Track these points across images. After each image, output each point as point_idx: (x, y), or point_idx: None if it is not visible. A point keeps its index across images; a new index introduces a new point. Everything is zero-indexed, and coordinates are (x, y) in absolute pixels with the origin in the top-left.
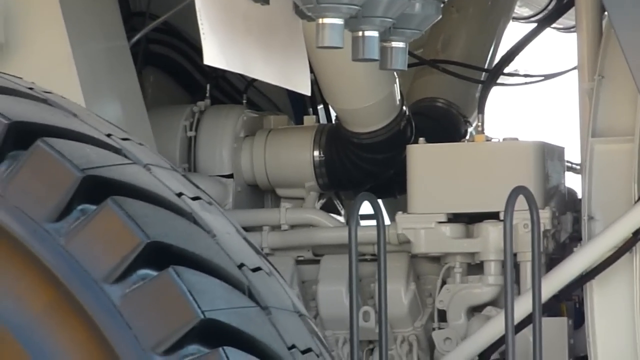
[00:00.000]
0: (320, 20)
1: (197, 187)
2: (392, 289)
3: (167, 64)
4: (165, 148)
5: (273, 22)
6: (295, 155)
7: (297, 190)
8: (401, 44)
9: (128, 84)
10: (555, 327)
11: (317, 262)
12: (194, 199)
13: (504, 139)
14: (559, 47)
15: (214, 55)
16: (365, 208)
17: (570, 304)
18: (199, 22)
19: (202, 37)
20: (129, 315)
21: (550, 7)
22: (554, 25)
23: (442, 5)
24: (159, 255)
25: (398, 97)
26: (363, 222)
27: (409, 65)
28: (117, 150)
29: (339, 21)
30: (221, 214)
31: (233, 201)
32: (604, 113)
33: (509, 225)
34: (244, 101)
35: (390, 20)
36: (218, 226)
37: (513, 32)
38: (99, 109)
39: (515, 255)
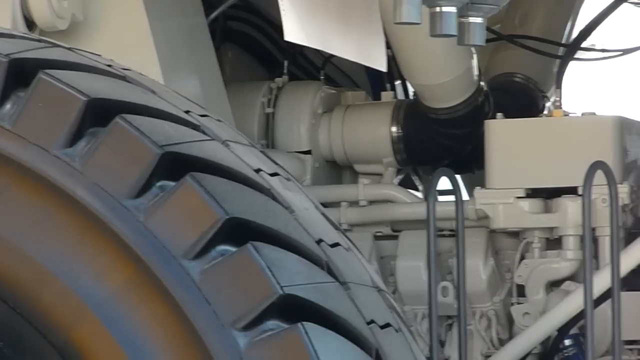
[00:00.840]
0: None
1: (276, 163)
2: (470, 264)
3: (245, 40)
4: (243, 124)
5: None
6: (373, 131)
7: (375, 166)
8: (479, 20)
9: (206, 60)
10: (634, 302)
11: (396, 237)
12: (272, 175)
13: (582, 114)
14: (636, 22)
15: (294, 31)
16: (443, 184)
17: None
18: None
19: (282, 13)
20: (208, 291)
21: None
22: None
23: None
24: (238, 231)
25: (476, 72)
26: (441, 198)
27: (487, 41)
28: (195, 127)
29: None
30: (299, 190)
31: (311, 177)
32: None
33: (588, 200)
34: (322, 77)
35: None
36: (296, 202)
37: (591, 7)
38: (178, 85)
39: (593, 229)
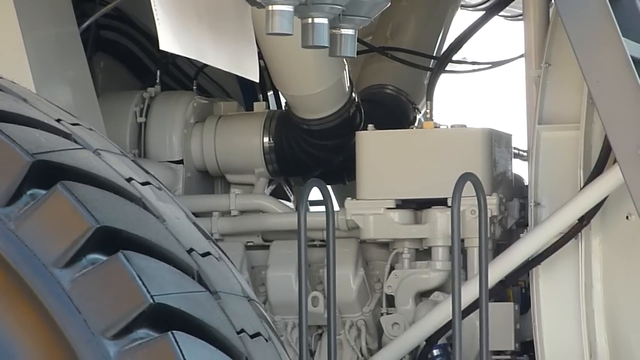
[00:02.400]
0: (269, 7)
1: (147, 172)
2: (340, 275)
3: (118, 50)
4: (115, 134)
5: (223, 8)
6: (245, 141)
7: (247, 176)
8: (350, 31)
9: (78, 69)
10: (502, 312)
11: (267, 247)
12: (144, 184)
13: (452, 126)
14: (506, 35)
15: (169, 41)
16: (315, 194)
17: (516, 289)
18: (153, 8)
19: (157, 22)
20: (78, 299)
21: None
22: (501, 13)
23: None
24: (109, 240)
25: (347, 84)
26: (312, 208)
27: (358, 53)
28: (66, 135)
29: (289, 8)
30: (171, 200)
31: (183, 187)
32: (550, 100)
33: (457, 212)
34: (194, 87)
35: (340, 7)
36: (168, 211)
37: (461, 20)
38: (49, 94)
39: (462, 241)
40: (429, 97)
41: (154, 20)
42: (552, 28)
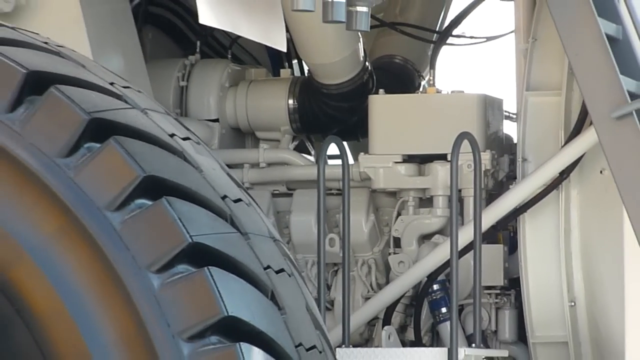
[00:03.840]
0: None
1: (187, 129)
2: (354, 219)
3: (164, 23)
4: (160, 96)
5: None
6: (272, 103)
7: (274, 133)
8: (364, 9)
9: (129, 40)
10: (493, 253)
11: (290, 195)
12: (184, 139)
13: (451, 92)
14: (499, 14)
15: (207, 15)
16: (332, 149)
17: (506, 233)
18: None
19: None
20: (127, 238)
21: None
22: None
23: None
24: (154, 187)
25: (362, 54)
26: (330, 162)
27: (371, 27)
28: (118, 97)
29: None
30: (208, 153)
31: (218, 142)
32: (536, 70)
33: (455, 165)
34: (229, 56)
35: None
36: (205, 163)
37: (460, 0)
38: (104, 61)
39: (460, 191)
40: (432, 66)
41: None
42: (538, 8)
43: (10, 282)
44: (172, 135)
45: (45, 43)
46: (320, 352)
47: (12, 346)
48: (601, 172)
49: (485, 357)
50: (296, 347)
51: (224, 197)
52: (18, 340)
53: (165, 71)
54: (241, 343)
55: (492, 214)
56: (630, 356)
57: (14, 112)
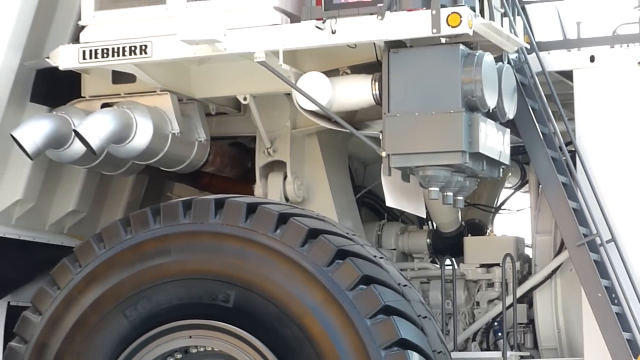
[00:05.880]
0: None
1: (383, 253)
2: None
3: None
4: (368, 238)
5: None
6: (419, 242)
7: (420, 255)
8: (460, 197)
9: (353, 204)
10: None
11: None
12: (380, 258)
13: None
14: None
15: (391, 200)
16: None
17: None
18: (383, 185)
19: (385, 190)
20: (356, 303)
21: None
22: None
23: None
24: (367, 280)
25: (459, 218)
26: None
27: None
28: (351, 239)
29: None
30: (391, 262)
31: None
32: (540, 225)
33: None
34: (385, 214)
35: None
36: (389, 268)
37: None
38: (342, 219)
39: None
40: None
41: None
42: (540, 199)
43: (303, 324)
44: (374, 256)
45: (304, 211)
46: (444, 354)
47: (302, 357)
48: (570, 270)
49: (521, 356)
50: (433, 351)
51: (398, 284)
52: (306, 352)
53: (368, 227)
54: (407, 350)
55: (521, 290)
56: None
57: (303, 246)
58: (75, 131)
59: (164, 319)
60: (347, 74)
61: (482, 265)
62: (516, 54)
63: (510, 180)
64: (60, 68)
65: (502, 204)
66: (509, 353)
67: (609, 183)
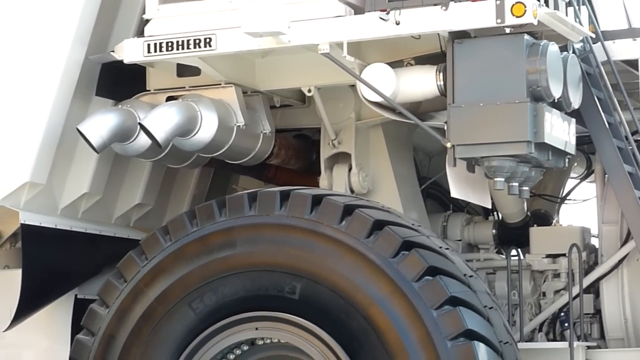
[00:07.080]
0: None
1: (447, 244)
2: None
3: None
4: (434, 229)
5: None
6: (486, 231)
7: (485, 245)
8: (526, 188)
9: (418, 194)
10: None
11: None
12: (446, 249)
13: None
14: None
15: (455, 191)
16: None
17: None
18: (449, 179)
19: (450, 181)
20: (422, 294)
21: None
22: None
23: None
24: (433, 271)
25: (525, 208)
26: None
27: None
28: (416, 230)
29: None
30: (457, 253)
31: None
32: (606, 214)
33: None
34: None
35: None
36: (455, 259)
37: None
38: (409, 213)
39: None
40: None
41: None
42: (607, 191)
43: (369, 316)
44: (440, 247)
45: (376, 204)
46: (510, 345)
47: (368, 348)
48: (637, 260)
49: (588, 347)
50: (499, 342)
51: (464, 275)
52: (372, 343)
53: (433, 218)
54: (474, 341)
55: (587, 280)
56: None
57: (368, 238)
58: (140, 124)
59: (230, 311)
60: (411, 65)
61: (548, 256)
62: (581, 44)
63: (576, 170)
64: (125, 62)
65: (568, 194)
66: (575, 343)
67: None
